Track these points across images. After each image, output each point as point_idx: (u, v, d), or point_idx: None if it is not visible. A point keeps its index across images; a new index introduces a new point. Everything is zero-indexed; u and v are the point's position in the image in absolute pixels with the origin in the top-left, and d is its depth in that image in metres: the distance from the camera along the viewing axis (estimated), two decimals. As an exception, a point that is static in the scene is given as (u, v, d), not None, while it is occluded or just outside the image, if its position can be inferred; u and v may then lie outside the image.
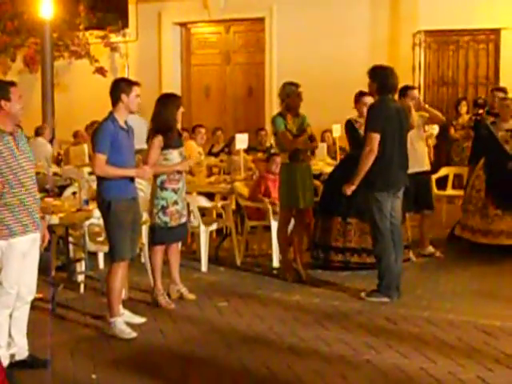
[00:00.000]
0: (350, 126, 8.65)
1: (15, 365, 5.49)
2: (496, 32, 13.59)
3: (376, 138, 7.31)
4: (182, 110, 7.37)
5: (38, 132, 12.88)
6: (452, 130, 12.43)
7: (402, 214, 8.30)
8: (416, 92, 9.31)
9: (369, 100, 8.09)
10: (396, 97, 8.06)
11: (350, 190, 7.47)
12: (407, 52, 14.27)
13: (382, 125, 7.36)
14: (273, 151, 10.36)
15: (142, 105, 6.65)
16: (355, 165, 7.60)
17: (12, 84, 5.48)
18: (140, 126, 11.00)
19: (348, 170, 8.01)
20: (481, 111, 10.30)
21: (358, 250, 8.49)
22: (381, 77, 7.57)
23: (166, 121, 7.18)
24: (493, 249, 9.35)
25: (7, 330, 5.46)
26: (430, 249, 9.38)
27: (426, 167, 9.38)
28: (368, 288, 7.65)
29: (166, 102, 7.33)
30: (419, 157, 9.09)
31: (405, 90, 9.17)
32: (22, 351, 5.63)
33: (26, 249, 5.44)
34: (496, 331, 6.49)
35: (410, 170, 8.63)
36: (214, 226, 9.36)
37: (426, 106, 9.30)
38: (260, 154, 11.10)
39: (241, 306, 7.40)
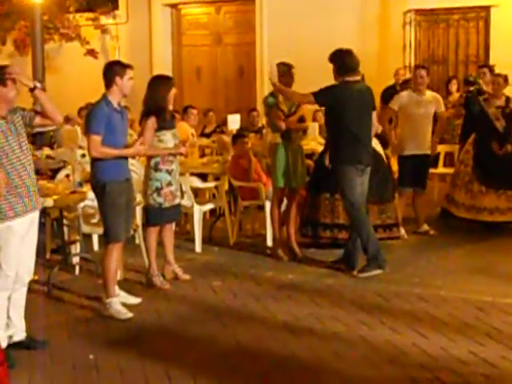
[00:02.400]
0: None
1: (13, 346, 5.52)
2: (486, 9, 13.56)
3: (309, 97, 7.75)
4: (174, 91, 7.36)
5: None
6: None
7: (391, 193, 8.45)
8: (424, 73, 9.33)
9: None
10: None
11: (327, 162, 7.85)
12: (398, 31, 14.24)
13: (333, 101, 7.61)
14: (264, 131, 10.39)
15: (133, 87, 6.67)
16: None
17: (1, 67, 5.48)
18: None
19: None
20: (471, 88, 10.29)
21: (345, 226, 8.50)
22: (339, 59, 7.70)
23: (157, 102, 7.17)
24: (483, 227, 9.47)
25: (6, 312, 5.50)
26: (425, 227, 9.43)
27: (428, 151, 9.40)
28: (359, 265, 7.72)
29: (158, 84, 7.33)
30: (422, 140, 9.22)
31: (418, 69, 9.57)
32: (19, 332, 5.68)
33: (24, 231, 5.47)
34: (487, 307, 6.56)
35: (413, 152, 8.86)
36: (208, 207, 9.40)
37: None
38: (252, 135, 11.07)
39: (235, 286, 7.45)
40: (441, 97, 9.70)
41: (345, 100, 7.52)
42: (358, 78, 7.84)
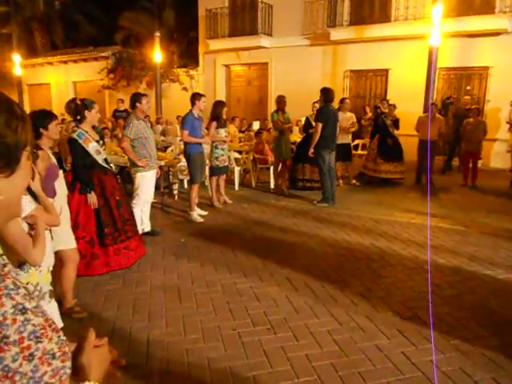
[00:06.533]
0: (306, 120, 8.57)
1: (145, 234, 5.61)
2: (386, 70, 13.30)
3: (319, 125, 7.28)
4: (225, 108, 7.25)
5: (157, 121, 12.78)
6: (362, 121, 12.22)
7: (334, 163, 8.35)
8: (348, 101, 9.22)
9: (317, 105, 7.97)
10: (336, 103, 7.90)
11: (311, 152, 7.47)
12: (341, 80, 13.97)
13: (324, 118, 7.28)
14: (271, 130, 10.25)
15: (205, 106, 6.61)
16: (310, 139, 7.62)
17: (143, 95, 5.48)
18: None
19: (306, 141, 7.99)
20: (378, 111, 10.09)
21: (309, 180, 8.46)
22: (325, 93, 7.48)
23: (217, 114, 7.09)
24: (381, 181, 9.36)
25: (140, 217, 5.56)
26: (353, 181, 9.33)
27: (349, 141, 9.29)
28: (317, 199, 7.68)
29: (218, 104, 7.22)
30: (346, 135, 9.08)
31: (343, 100, 9.21)
32: (147, 227, 5.76)
33: (150, 177, 5.50)
34: (380, 221, 6.57)
35: (341, 142, 8.67)
36: (241, 167, 9.34)
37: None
38: (265, 132, 10.94)
39: (255, 207, 7.45)
40: (354, 115, 9.47)
41: (327, 116, 7.30)
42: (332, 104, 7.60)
